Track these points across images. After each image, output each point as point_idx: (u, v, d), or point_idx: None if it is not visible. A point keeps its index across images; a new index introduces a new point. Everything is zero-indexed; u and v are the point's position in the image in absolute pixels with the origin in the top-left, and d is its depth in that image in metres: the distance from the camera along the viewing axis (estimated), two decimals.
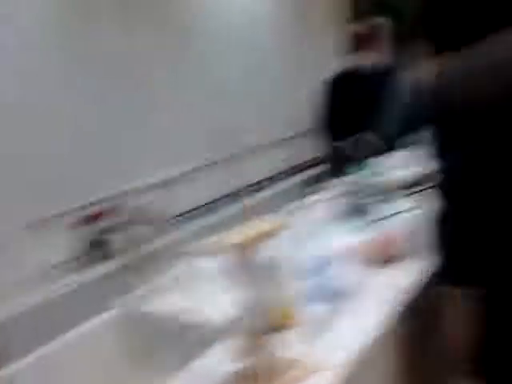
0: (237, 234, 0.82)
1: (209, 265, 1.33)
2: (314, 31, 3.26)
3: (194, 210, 1.93)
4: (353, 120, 2.22)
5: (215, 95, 2.28)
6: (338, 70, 2.76)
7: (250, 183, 2.36)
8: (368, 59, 2.62)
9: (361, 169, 1.57)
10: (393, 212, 1.62)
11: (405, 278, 1.17)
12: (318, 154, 2.27)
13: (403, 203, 1.71)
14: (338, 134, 2.52)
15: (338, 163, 2.18)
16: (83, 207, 1.38)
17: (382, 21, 2.70)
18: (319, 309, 1.06)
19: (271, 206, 1.81)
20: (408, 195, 1.80)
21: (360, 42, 2.64)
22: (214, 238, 0.86)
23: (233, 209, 2.05)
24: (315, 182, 2.23)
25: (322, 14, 3.37)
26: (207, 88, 2.21)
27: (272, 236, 0.87)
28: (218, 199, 1.99)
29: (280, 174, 2.70)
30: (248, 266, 0.82)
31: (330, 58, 3.45)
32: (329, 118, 2.81)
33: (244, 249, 0.80)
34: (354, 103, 2.42)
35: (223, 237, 0.84)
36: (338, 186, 1.90)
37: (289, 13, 3.00)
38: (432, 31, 1.11)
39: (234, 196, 2.15)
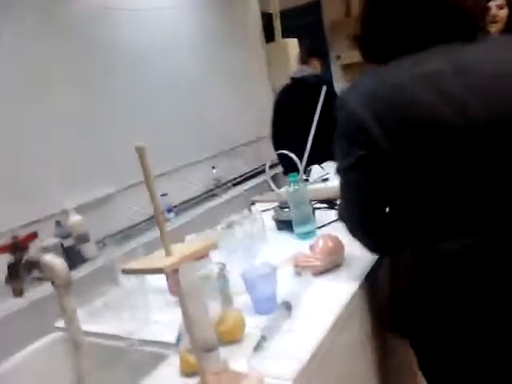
0: (168, 254, 0.80)
1: (154, 280, 1.31)
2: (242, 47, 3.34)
3: (137, 225, 1.88)
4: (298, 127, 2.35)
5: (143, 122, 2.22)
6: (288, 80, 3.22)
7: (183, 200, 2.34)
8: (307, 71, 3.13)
9: (294, 179, 1.62)
10: (326, 222, 1.69)
11: (344, 285, 1.21)
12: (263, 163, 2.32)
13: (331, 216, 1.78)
14: (285, 140, 2.71)
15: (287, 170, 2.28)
16: (13, 230, 1.30)
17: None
18: (266, 320, 1.08)
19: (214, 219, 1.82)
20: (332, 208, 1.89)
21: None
22: (145, 258, 0.84)
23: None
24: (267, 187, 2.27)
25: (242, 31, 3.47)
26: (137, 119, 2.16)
27: (206, 252, 0.86)
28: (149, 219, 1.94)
29: (225, 183, 2.71)
30: (182, 284, 0.81)
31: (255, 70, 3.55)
32: (277, 126, 3.10)
33: (175, 268, 0.78)
34: (298, 111, 2.59)
35: (156, 256, 0.82)
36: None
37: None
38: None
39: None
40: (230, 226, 1.73)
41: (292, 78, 3.17)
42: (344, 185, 1.07)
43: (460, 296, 0.94)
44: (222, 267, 1.21)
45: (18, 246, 1.01)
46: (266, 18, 4.16)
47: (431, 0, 0.96)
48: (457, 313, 0.95)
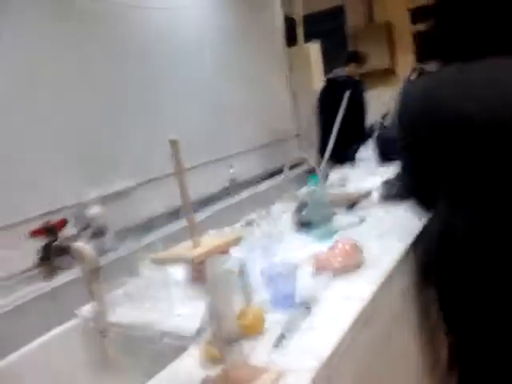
0: (196, 245, 0.82)
1: (174, 273, 1.33)
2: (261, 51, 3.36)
3: (156, 219, 1.90)
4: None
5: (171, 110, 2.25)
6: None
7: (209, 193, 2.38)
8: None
9: (316, 181, 1.63)
10: (341, 227, 1.69)
11: (364, 286, 1.22)
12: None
13: (350, 217, 1.79)
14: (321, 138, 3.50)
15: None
16: (45, 215, 1.33)
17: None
18: (286, 315, 1.09)
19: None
20: (353, 208, 1.90)
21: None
22: (173, 248, 0.85)
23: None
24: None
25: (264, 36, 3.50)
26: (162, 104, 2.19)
27: (232, 246, 0.87)
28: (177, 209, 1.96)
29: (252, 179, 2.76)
30: (209, 275, 0.82)
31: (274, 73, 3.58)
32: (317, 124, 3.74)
33: (203, 259, 0.80)
34: (330, 109, 2.79)
35: (183, 247, 0.83)
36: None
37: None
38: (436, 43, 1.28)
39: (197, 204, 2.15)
40: (249, 224, 1.75)
41: (327, 79, 3.80)
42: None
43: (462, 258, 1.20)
44: (243, 263, 1.22)
45: (50, 230, 1.03)
46: (289, 22, 4.17)
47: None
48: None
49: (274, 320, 1.08)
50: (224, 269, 0.90)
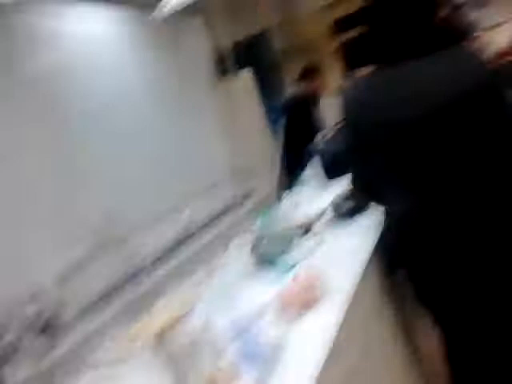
0: (147, 326, 0.77)
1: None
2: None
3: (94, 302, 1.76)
4: None
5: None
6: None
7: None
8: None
9: (264, 216, 1.61)
10: (301, 255, 1.67)
11: (331, 315, 1.20)
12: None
13: (307, 242, 1.78)
14: None
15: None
16: None
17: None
18: (257, 368, 1.05)
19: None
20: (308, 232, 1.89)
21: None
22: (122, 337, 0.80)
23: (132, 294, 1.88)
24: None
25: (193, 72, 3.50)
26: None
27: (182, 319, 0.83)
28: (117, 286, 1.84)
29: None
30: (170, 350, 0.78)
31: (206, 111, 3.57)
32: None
33: (160, 337, 0.76)
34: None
35: (134, 333, 0.79)
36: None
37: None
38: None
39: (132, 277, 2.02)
40: (208, 273, 1.71)
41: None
42: None
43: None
44: (207, 323, 1.18)
45: None
46: (218, 54, 4.21)
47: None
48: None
49: (247, 372, 1.04)
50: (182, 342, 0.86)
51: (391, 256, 1.50)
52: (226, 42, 4.23)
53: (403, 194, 1.33)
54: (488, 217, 1.24)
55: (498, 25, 3.81)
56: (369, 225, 1.73)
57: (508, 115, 1.24)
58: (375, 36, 1.36)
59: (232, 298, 1.41)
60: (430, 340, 1.55)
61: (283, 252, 1.64)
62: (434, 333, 1.48)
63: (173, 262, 2.17)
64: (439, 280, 1.34)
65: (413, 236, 1.33)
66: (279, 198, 2.38)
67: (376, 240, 1.60)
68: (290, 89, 4.12)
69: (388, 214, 1.45)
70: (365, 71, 1.41)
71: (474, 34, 2.55)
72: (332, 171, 2.64)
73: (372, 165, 1.36)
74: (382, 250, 1.57)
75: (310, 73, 4.04)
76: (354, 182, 1.55)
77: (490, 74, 1.24)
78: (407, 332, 1.66)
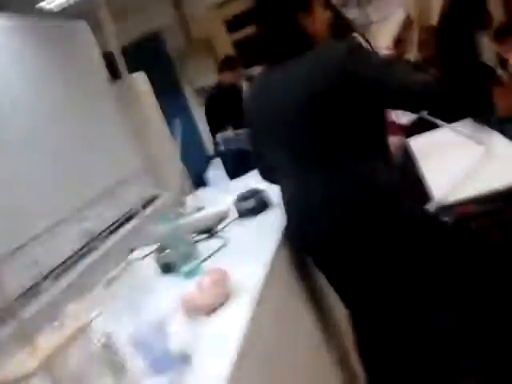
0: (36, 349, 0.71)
1: None
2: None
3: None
4: None
5: None
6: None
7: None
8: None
9: (164, 219, 1.57)
10: (205, 258, 1.65)
11: (238, 315, 1.19)
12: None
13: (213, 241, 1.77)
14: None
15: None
16: None
17: None
18: (166, 380, 1.01)
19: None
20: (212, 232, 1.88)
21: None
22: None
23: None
24: None
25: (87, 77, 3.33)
26: None
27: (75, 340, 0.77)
28: None
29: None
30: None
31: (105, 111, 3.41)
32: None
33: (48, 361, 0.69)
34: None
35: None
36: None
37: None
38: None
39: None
40: (110, 283, 1.63)
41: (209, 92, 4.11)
42: None
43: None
44: (108, 335, 1.11)
45: None
46: (108, 57, 4.04)
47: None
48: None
49: None
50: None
51: (293, 240, 1.59)
52: (116, 44, 4.08)
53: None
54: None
55: (385, 19, 4.08)
56: (272, 220, 1.76)
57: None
58: (260, 36, 1.40)
59: (135, 307, 1.35)
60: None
61: (187, 257, 1.60)
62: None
63: (72, 273, 2.05)
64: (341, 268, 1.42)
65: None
66: (182, 202, 2.34)
67: (281, 229, 1.64)
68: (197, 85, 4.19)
69: (283, 197, 1.55)
70: (255, 70, 1.47)
71: (358, 30, 2.69)
72: (233, 170, 2.65)
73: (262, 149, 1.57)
74: (286, 235, 1.62)
75: (230, 62, 4.01)
76: (258, 170, 1.73)
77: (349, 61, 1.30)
78: (320, 309, 1.72)
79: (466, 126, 2.31)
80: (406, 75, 1.35)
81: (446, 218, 1.61)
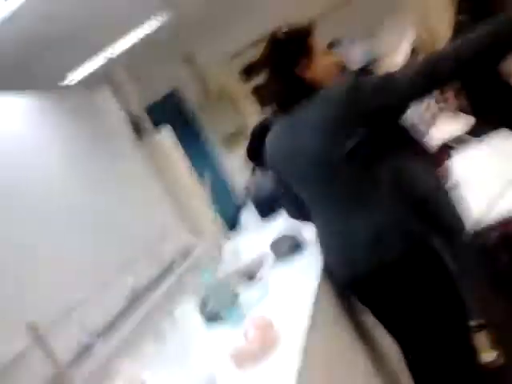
0: None
1: None
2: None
3: None
4: None
5: None
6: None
7: None
8: None
9: (207, 271, 1.60)
10: (249, 305, 1.66)
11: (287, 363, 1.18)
12: None
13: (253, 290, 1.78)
14: None
15: None
16: None
17: None
18: None
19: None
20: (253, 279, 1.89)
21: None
22: None
23: None
24: None
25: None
26: None
27: None
28: None
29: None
30: None
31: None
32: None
33: None
34: None
35: None
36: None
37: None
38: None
39: None
40: (158, 338, 1.65)
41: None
42: None
43: None
44: None
45: None
46: (133, 118, 4.20)
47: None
48: None
49: None
50: None
51: (337, 279, 1.58)
52: (138, 105, 4.25)
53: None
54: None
55: (392, 51, 4.15)
56: (309, 260, 1.76)
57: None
58: (271, 83, 1.46)
59: (185, 362, 1.36)
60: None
61: (231, 305, 1.61)
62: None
63: (120, 331, 2.08)
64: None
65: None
66: (219, 250, 2.37)
67: (321, 267, 1.63)
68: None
69: (321, 237, 1.55)
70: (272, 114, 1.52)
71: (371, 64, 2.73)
72: (265, 210, 2.67)
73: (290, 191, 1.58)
74: (326, 274, 1.62)
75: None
76: (288, 211, 1.75)
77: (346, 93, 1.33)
78: (368, 343, 1.69)
79: (496, 139, 2.27)
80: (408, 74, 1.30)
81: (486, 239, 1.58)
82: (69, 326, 1.97)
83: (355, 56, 2.40)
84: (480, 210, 1.67)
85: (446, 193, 1.64)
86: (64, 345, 1.84)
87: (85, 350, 1.94)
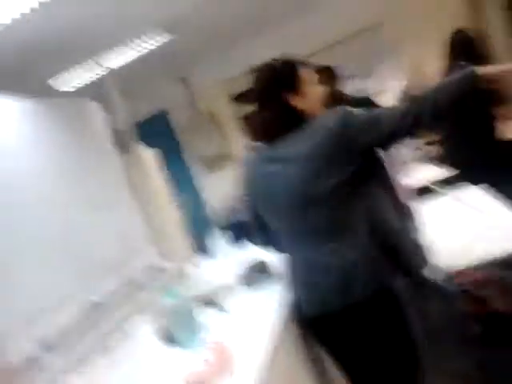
0: None
1: None
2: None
3: None
4: None
5: None
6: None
7: None
8: None
9: (170, 292, 1.57)
10: (206, 329, 1.63)
11: None
12: None
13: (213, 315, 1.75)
14: None
15: None
16: None
17: None
18: None
19: None
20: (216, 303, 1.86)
21: None
22: None
23: None
24: None
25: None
26: None
27: None
28: None
29: None
30: None
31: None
32: None
33: None
34: None
35: None
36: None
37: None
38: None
39: None
40: (106, 352, 1.59)
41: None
42: None
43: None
44: None
45: None
46: (118, 133, 4.19)
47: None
48: None
49: None
50: None
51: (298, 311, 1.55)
52: (125, 120, 4.25)
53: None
54: None
55: (383, 91, 4.28)
56: (275, 287, 1.75)
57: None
58: (262, 111, 1.46)
59: (136, 381, 1.32)
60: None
61: (190, 329, 1.58)
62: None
63: (71, 348, 2.00)
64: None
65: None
66: (187, 273, 2.33)
67: (285, 297, 1.62)
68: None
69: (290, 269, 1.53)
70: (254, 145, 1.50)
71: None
72: (240, 234, 2.65)
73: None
74: (292, 305, 1.60)
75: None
76: (255, 238, 1.73)
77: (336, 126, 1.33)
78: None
79: (467, 193, 2.33)
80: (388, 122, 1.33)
81: (451, 285, 1.59)
82: (19, 337, 1.90)
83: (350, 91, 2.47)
84: (447, 258, 1.69)
85: (409, 233, 1.65)
86: (12, 355, 1.77)
87: (33, 363, 1.86)
